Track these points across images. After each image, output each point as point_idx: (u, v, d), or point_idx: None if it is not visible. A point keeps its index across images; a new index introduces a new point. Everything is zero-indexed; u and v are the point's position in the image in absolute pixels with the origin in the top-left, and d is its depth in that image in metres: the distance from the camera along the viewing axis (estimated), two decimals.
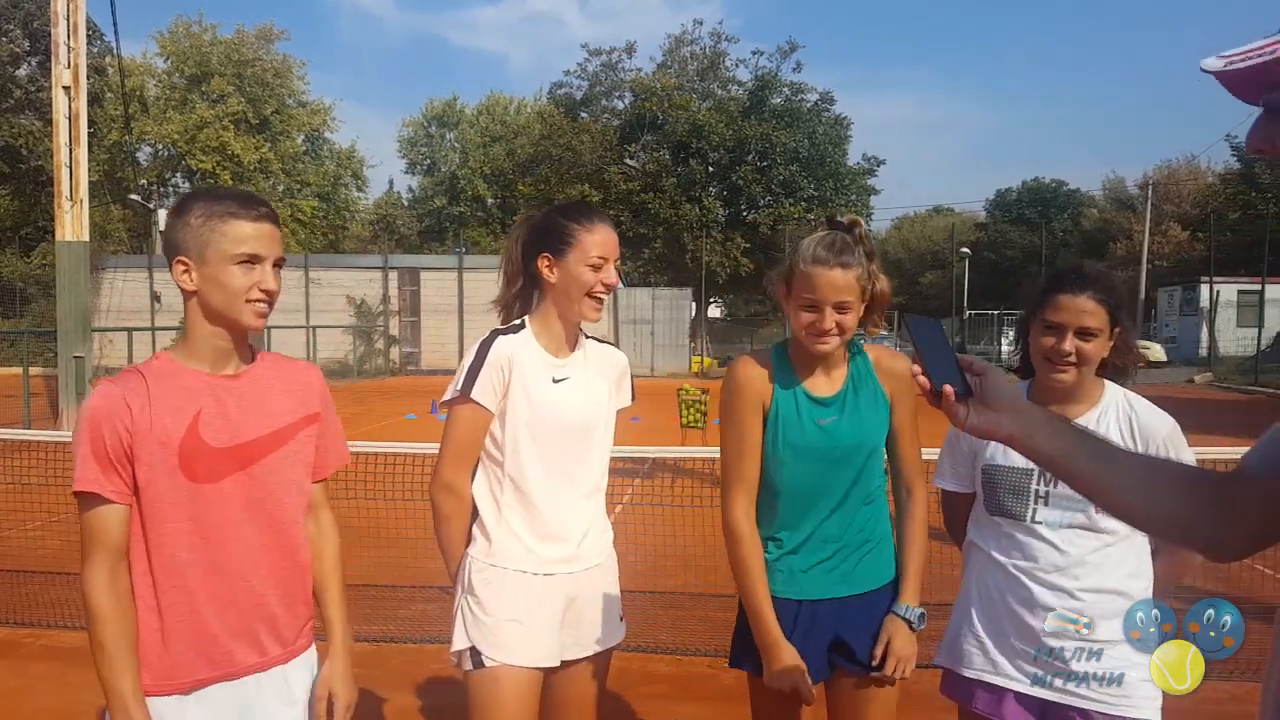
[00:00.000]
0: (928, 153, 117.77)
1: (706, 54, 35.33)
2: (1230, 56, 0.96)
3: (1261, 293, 25.68)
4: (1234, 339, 27.85)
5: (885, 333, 2.23)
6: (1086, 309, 1.99)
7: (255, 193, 2.27)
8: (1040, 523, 2.02)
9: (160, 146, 38.41)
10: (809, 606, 2.11)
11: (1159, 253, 37.77)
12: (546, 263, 2.16)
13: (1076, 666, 1.98)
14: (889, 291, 2.06)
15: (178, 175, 39.38)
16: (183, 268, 1.72)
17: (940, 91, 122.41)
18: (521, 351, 2.15)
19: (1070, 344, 1.99)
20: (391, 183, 52.16)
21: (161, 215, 26.66)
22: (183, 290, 1.73)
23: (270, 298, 1.75)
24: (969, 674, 2.12)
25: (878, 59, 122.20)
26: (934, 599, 2.45)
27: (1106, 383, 2.09)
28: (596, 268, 2.13)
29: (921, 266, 51.25)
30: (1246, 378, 23.78)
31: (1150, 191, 38.80)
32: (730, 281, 33.34)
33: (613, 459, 2.34)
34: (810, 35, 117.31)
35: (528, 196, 34.09)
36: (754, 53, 39.05)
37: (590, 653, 2.23)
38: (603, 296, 2.17)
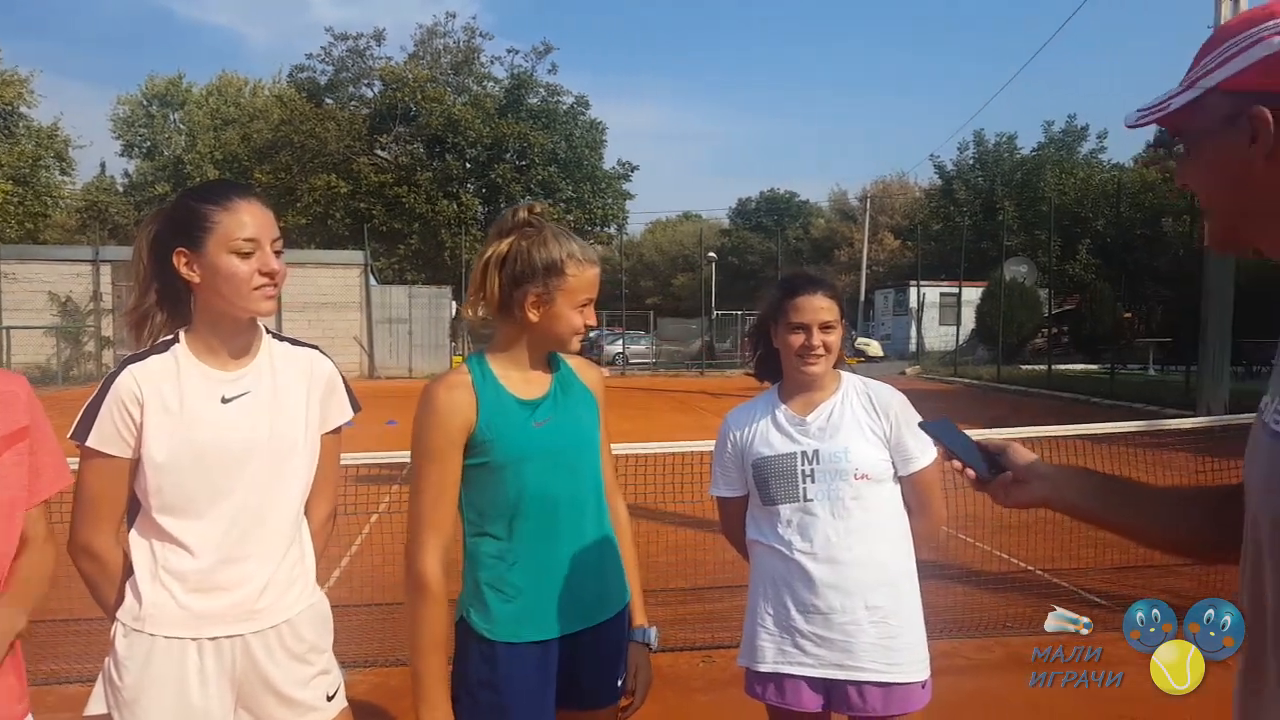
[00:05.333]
0: (677, 160, 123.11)
1: (460, 48, 34.79)
2: (1142, 111, 1.15)
3: (959, 295, 29.20)
4: (938, 335, 31.50)
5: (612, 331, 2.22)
6: (823, 305, 2.21)
7: None
8: (812, 499, 2.19)
9: None
10: (547, 645, 1.90)
11: (876, 259, 41.93)
12: (184, 259, 1.79)
13: (857, 640, 2.13)
14: None
15: None
16: None
17: (688, 103, 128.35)
18: (162, 376, 1.80)
19: (818, 338, 2.20)
20: (104, 166, 46.71)
21: None
22: None
23: None
24: (764, 669, 2.21)
25: (629, 68, 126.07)
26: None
27: (840, 371, 2.33)
28: (246, 255, 1.79)
29: (674, 269, 53.47)
30: (948, 369, 27.08)
31: (868, 204, 42.87)
32: None
33: (367, 466, 2.11)
34: (564, 39, 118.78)
35: (266, 185, 31.87)
36: (509, 51, 38.95)
37: None
38: (268, 285, 1.83)
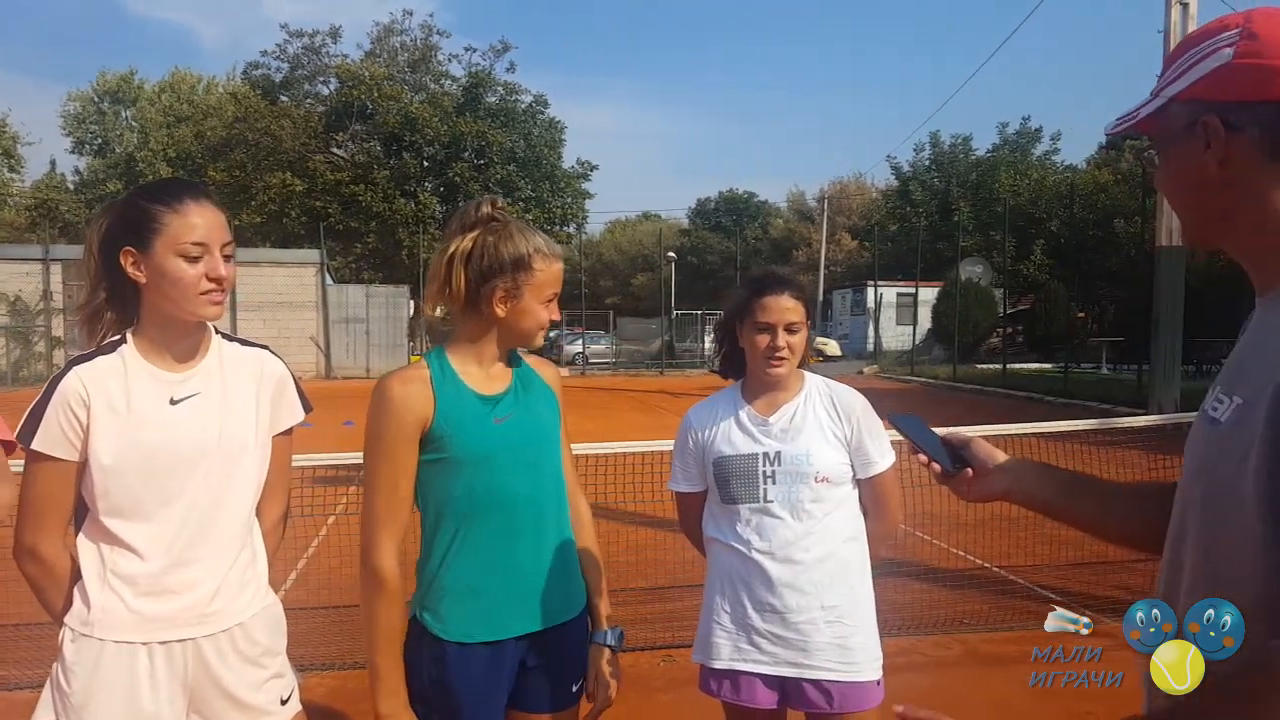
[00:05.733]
0: (637, 160, 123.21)
1: (418, 46, 34.50)
2: (1118, 119, 1.23)
3: (915, 295, 29.56)
4: (895, 335, 31.84)
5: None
6: (789, 306, 2.21)
7: None
8: (772, 501, 2.19)
9: None
10: (499, 646, 1.89)
11: (834, 259, 42.27)
12: (130, 259, 1.76)
13: (813, 640, 2.14)
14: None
15: None
16: None
17: (647, 102, 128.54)
18: (109, 378, 1.76)
19: (783, 339, 2.19)
20: (54, 163, 45.55)
21: None
22: None
23: None
24: (719, 665, 2.22)
25: (589, 67, 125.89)
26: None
27: (804, 371, 2.33)
28: (194, 259, 1.75)
29: (633, 269, 53.47)
30: (905, 369, 27.37)
31: (826, 205, 43.21)
32: None
33: (324, 467, 2.07)
34: (523, 38, 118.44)
35: (220, 183, 31.30)
36: (467, 49, 38.74)
37: None
38: (215, 291, 1.79)
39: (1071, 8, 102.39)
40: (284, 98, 34.13)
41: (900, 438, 1.56)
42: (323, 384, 23.30)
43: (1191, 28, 13.16)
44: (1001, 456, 1.42)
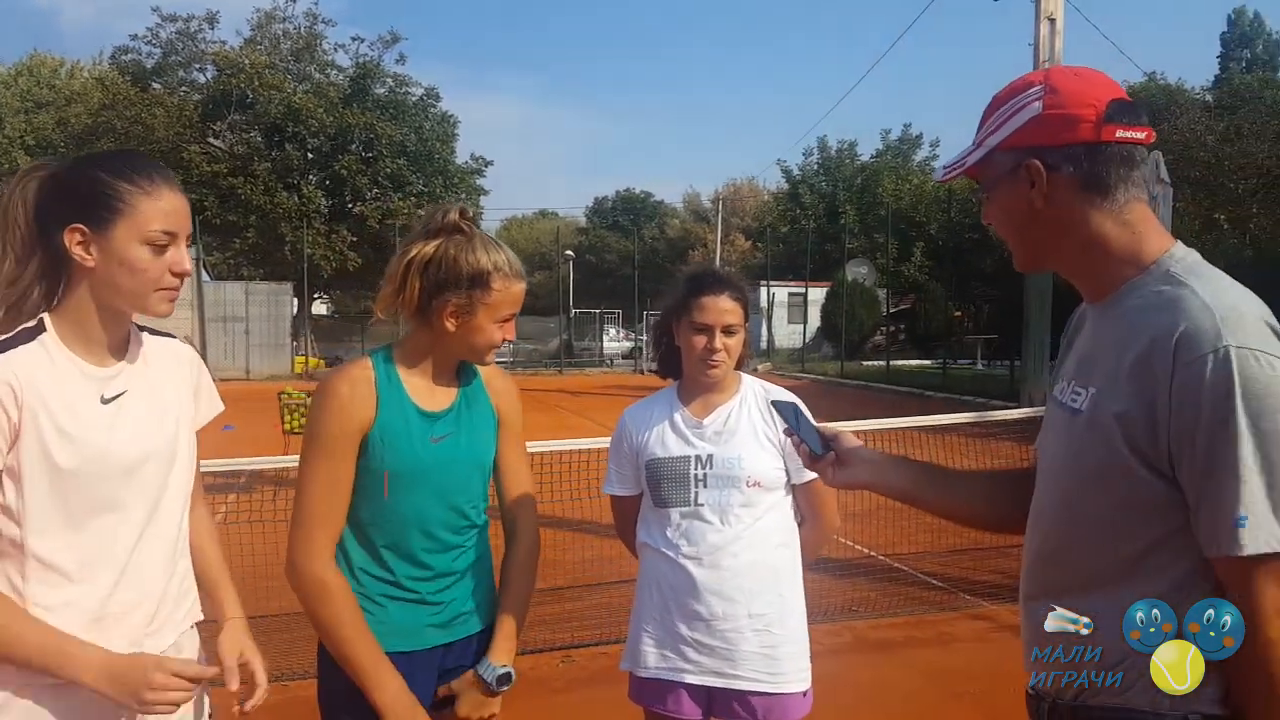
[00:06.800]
0: (533, 157, 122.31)
1: (301, 34, 33.29)
2: (946, 167, 1.42)
3: (805, 295, 30.38)
4: (786, 333, 32.65)
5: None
6: (728, 308, 2.16)
7: None
8: (703, 505, 2.15)
9: None
10: (413, 657, 1.85)
11: (728, 259, 42.92)
12: (78, 238, 1.51)
13: (739, 649, 2.11)
14: None
15: None
16: None
17: (542, 99, 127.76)
18: (40, 369, 1.50)
19: (720, 342, 2.15)
20: None
21: None
22: None
23: None
24: (646, 674, 2.18)
25: (482, 61, 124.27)
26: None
27: (740, 373, 2.29)
28: (161, 248, 1.54)
29: (531, 267, 53.03)
30: (796, 366, 28.15)
31: (720, 206, 43.92)
32: (337, 276, 31.74)
33: (203, 474, 1.94)
34: (413, 29, 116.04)
35: None
36: (354, 39, 37.63)
37: None
38: (175, 287, 1.59)
39: (949, 20, 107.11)
40: (156, 85, 32.39)
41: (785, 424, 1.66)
42: None
43: (1059, 43, 13.99)
44: (865, 451, 1.56)
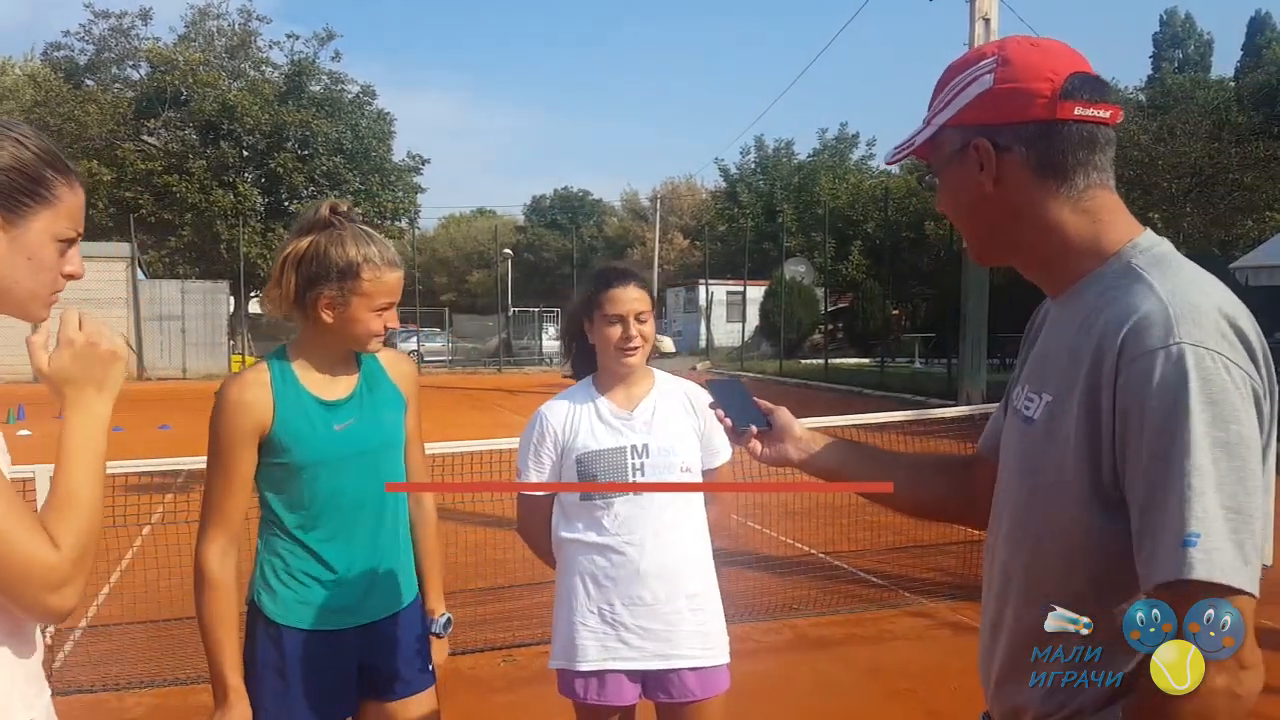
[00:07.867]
0: (470, 155, 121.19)
1: (236, 31, 32.55)
2: (896, 148, 1.30)
3: (744, 293, 30.66)
4: (725, 332, 32.90)
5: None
6: (636, 296, 2.24)
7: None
8: (642, 493, 2.20)
9: None
10: (335, 636, 1.95)
11: (667, 258, 43.11)
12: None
13: (678, 629, 2.18)
14: None
15: None
16: None
17: (479, 97, 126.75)
18: None
19: (635, 329, 2.22)
20: None
21: None
22: None
23: None
24: (586, 667, 2.18)
25: (418, 59, 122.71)
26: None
27: (651, 368, 2.35)
28: (65, 244, 1.30)
29: (469, 265, 52.58)
30: (735, 364, 28.35)
31: (658, 204, 44.03)
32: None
33: (139, 474, 1.93)
34: (348, 26, 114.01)
35: None
36: (289, 36, 36.84)
37: None
38: (60, 291, 1.35)
39: (885, 18, 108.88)
40: (89, 81, 31.44)
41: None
42: (135, 386, 21.37)
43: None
44: (799, 430, 1.51)
